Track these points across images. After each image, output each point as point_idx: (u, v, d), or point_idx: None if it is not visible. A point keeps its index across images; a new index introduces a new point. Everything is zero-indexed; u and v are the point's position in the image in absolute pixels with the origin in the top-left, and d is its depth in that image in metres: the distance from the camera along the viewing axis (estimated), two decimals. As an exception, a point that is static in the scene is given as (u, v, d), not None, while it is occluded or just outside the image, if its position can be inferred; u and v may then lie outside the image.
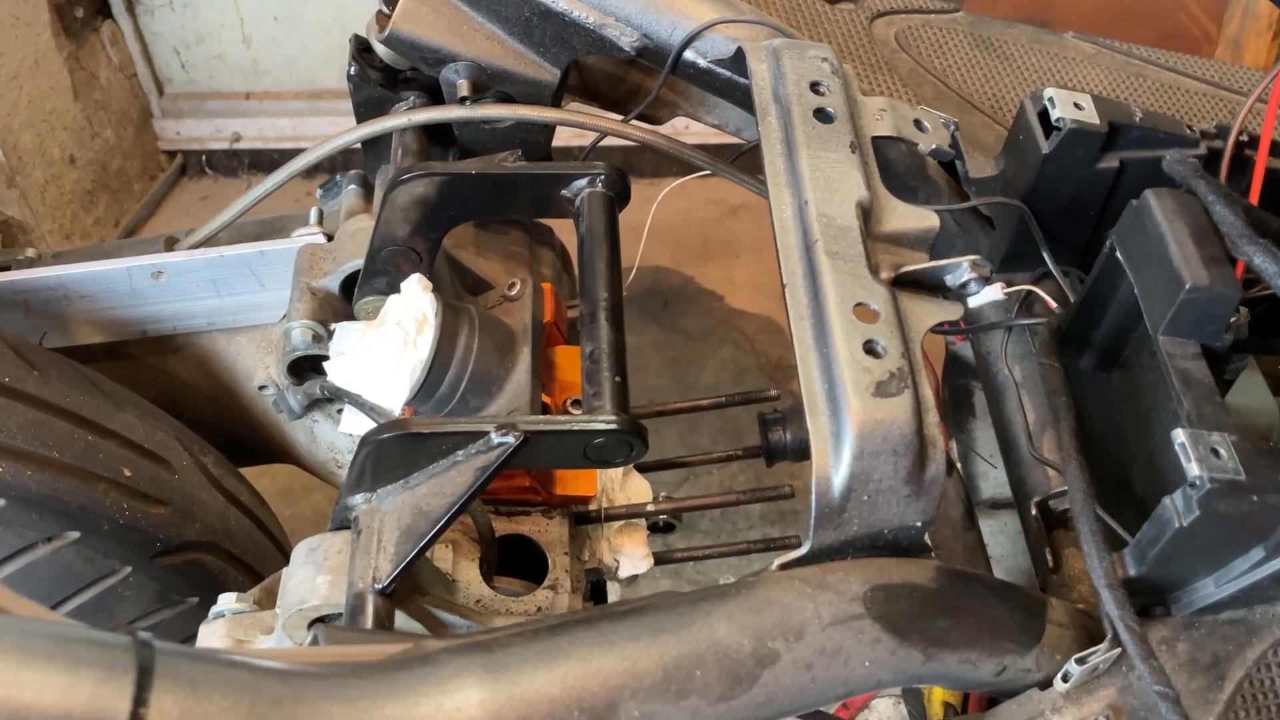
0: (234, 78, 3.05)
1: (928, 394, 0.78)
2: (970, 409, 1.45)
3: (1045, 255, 1.08)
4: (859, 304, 0.79)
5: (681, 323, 2.70)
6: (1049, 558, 1.02)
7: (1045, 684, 0.85)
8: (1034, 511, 1.04)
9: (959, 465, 1.45)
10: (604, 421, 0.83)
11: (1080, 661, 0.82)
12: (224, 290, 1.18)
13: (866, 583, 0.75)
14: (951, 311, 0.84)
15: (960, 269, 0.84)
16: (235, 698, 0.57)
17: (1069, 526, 1.05)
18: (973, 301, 1.15)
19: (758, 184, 1.20)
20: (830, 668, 0.71)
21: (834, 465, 0.74)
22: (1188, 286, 0.84)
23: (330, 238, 1.16)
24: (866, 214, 0.85)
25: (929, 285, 0.85)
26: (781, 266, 0.83)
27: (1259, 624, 0.89)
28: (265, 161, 3.08)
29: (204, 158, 3.10)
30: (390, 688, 0.62)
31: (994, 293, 1.13)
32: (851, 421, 0.74)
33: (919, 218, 0.87)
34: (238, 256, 1.15)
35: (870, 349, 0.77)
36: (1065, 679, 0.83)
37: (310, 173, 1.47)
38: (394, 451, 0.84)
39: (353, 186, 1.22)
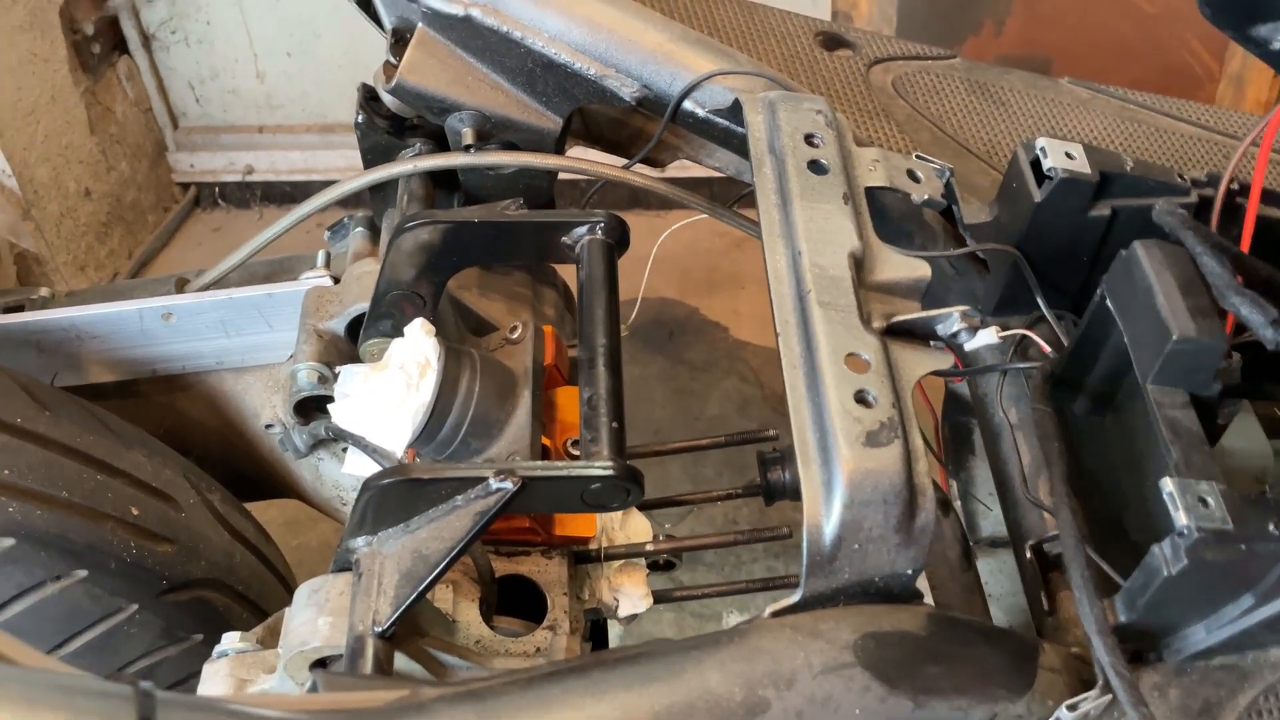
0: (247, 111, 3.10)
1: (918, 443, 0.79)
2: (970, 447, 1.45)
3: (1039, 300, 1.10)
4: (850, 354, 0.80)
5: (687, 354, 2.72)
6: (1044, 600, 1.03)
7: (1037, 730, 0.86)
8: (1029, 555, 1.05)
9: (958, 503, 1.46)
10: (600, 467, 0.85)
11: (1071, 708, 0.83)
12: (232, 331, 1.21)
13: (857, 631, 0.76)
14: (942, 361, 0.86)
15: (951, 319, 0.85)
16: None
17: (1063, 569, 1.06)
18: (969, 344, 1.17)
19: (752, 225, 1.22)
20: (820, 716, 0.72)
21: (825, 514, 0.76)
22: (1174, 337, 0.85)
23: (337, 280, 1.19)
24: (858, 264, 0.87)
25: (920, 334, 0.86)
26: (775, 315, 0.85)
27: (1250, 670, 0.90)
28: (277, 193, 3.12)
29: (217, 190, 3.15)
30: (385, 736, 0.63)
31: (989, 336, 1.14)
32: (842, 471, 0.75)
33: (910, 267, 0.89)
34: (246, 298, 1.17)
35: (861, 398, 0.78)
36: (1056, 725, 0.84)
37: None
38: (395, 496, 0.86)
39: (359, 230, 1.24)
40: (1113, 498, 1.05)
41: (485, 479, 0.84)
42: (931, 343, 0.88)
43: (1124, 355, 0.99)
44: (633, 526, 1.16)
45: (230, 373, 1.26)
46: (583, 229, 0.98)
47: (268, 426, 1.23)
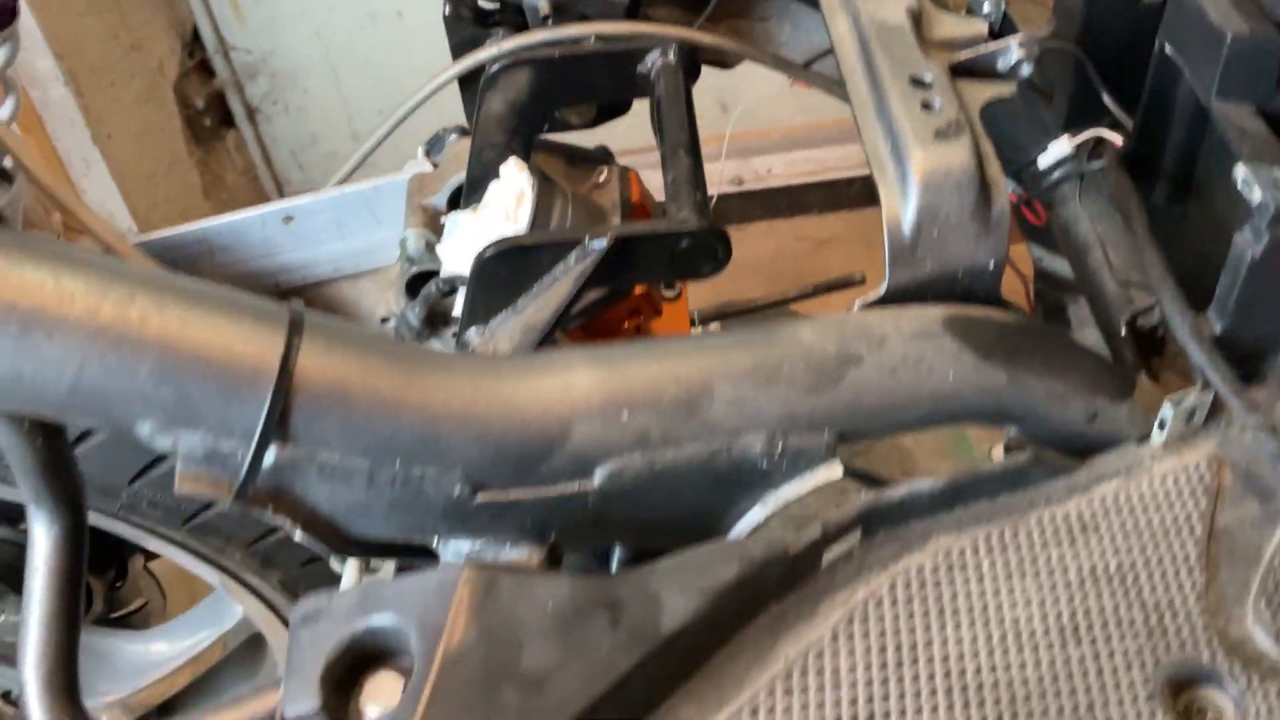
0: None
1: (988, 147, 0.83)
2: (1065, 324, 1.46)
3: (1105, 97, 1.13)
4: (914, 76, 0.85)
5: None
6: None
7: (1143, 439, 0.86)
8: (1124, 332, 1.06)
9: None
10: (689, 223, 0.91)
11: (1175, 403, 0.83)
12: (346, 232, 1.31)
13: (947, 311, 0.79)
14: (1004, 89, 0.90)
15: (1010, 50, 0.90)
16: (372, 353, 0.64)
17: (1162, 351, 1.06)
18: (1043, 161, 1.20)
19: (824, 82, 1.29)
20: (914, 375, 0.75)
21: (902, 205, 0.80)
22: (1229, 40, 0.88)
23: (437, 167, 1.28)
24: (917, 20, 0.93)
25: (981, 72, 0.91)
26: (841, 68, 0.91)
27: (1361, 388, 0.89)
28: (376, 244, 3.29)
29: (321, 247, 3.34)
30: (510, 367, 0.69)
31: (1063, 147, 1.17)
32: (914, 163, 0.80)
33: (967, 25, 0.94)
34: (357, 193, 1.28)
35: (927, 105, 0.83)
36: (1161, 426, 0.84)
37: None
38: (502, 270, 0.92)
39: (453, 135, 1.34)
40: (1198, 285, 1.06)
41: (581, 241, 0.90)
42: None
43: (1192, 119, 1.01)
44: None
45: (346, 281, 1.35)
46: (655, 54, 1.06)
47: (383, 320, 1.31)
